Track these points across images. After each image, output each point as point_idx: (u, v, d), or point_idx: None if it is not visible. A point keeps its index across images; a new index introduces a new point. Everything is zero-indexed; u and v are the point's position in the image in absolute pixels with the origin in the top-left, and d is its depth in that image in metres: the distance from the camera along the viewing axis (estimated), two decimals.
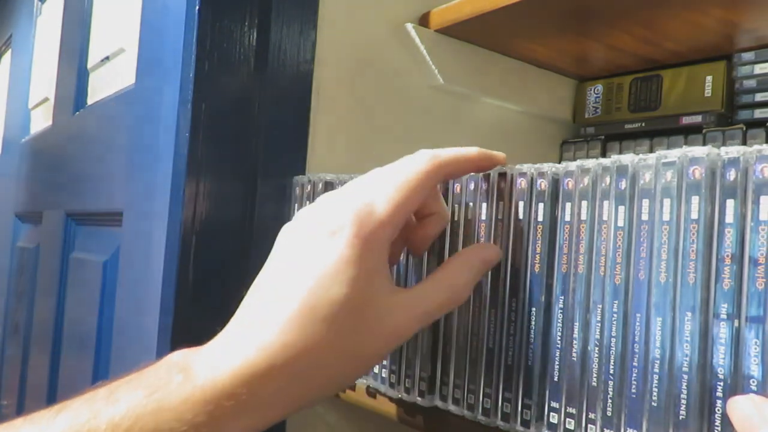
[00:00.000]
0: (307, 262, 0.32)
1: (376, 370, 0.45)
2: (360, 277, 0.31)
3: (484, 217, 0.38)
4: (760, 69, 0.67)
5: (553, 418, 0.34)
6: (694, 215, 0.28)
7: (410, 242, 0.39)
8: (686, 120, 0.72)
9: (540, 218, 0.35)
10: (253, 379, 0.29)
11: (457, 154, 0.36)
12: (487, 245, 0.37)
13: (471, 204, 0.39)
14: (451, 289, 0.35)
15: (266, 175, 0.58)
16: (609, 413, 0.31)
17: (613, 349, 0.31)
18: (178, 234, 0.55)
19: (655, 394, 0.29)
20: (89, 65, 0.85)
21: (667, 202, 0.29)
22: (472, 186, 0.39)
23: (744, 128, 0.67)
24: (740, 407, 0.26)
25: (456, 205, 0.40)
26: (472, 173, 0.39)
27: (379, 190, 0.33)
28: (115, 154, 0.72)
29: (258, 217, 0.58)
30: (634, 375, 0.30)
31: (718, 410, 0.27)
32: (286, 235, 0.35)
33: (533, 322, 0.35)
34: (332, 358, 0.31)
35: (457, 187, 0.40)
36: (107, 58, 0.79)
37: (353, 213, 0.32)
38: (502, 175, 0.37)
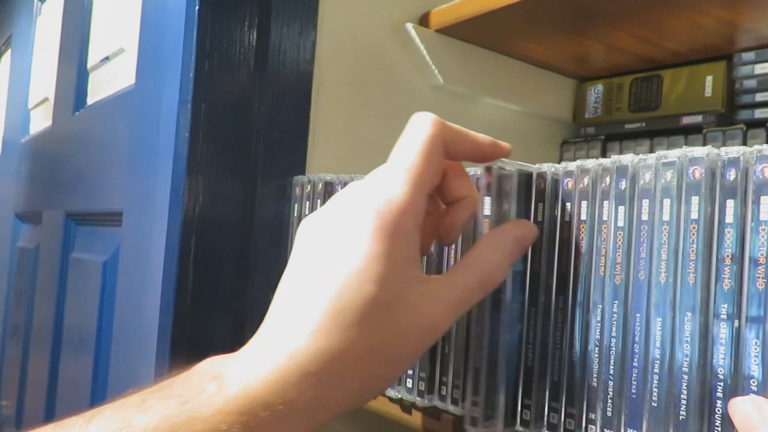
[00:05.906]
0: (333, 261, 0.30)
1: None
2: (389, 272, 0.29)
3: (487, 213, 0.38)
4: (760, 69, 0.67)
5: (553, 419, 0.34)
6: (694, 215, 0.28)
7: (438, 230, 0.36)
8: (686, 120, 0.72)
9: (539, 218, 0.35)
10: (288, 387, 0.28)
11: (460, 128, 0.34)
12: (521, 222, 0.34)
13: None
14: (482, 273, 0.32)
15: (266, 175, 0.58)
16: (609, 413, 0.31)
17: (613, 349, 0.31)
18: (178, 234, 0.55)
19: (655, 394, 0.29)
20: (89, 65, 0.85)
21: (667, 202, 0.29)
22: None
23: (744, 128, 0.67)
24: (741, 408, 0.25)
25: None
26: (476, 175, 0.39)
27: (391, 174, 0.31)
28: (115, 154, 0.72)
29: (258, 217, 0.58)
30: (634, 375, 0.30)
31: (718, 410, 0.27)
32: (308, 231, 0.33)
33: (533, 323, 0.35)
34: (367, 361, 0.29)
35: None
36: (107, 58, 0.79)
37: (373, 205, 0.30)
38: (502, 174, 0.37)
